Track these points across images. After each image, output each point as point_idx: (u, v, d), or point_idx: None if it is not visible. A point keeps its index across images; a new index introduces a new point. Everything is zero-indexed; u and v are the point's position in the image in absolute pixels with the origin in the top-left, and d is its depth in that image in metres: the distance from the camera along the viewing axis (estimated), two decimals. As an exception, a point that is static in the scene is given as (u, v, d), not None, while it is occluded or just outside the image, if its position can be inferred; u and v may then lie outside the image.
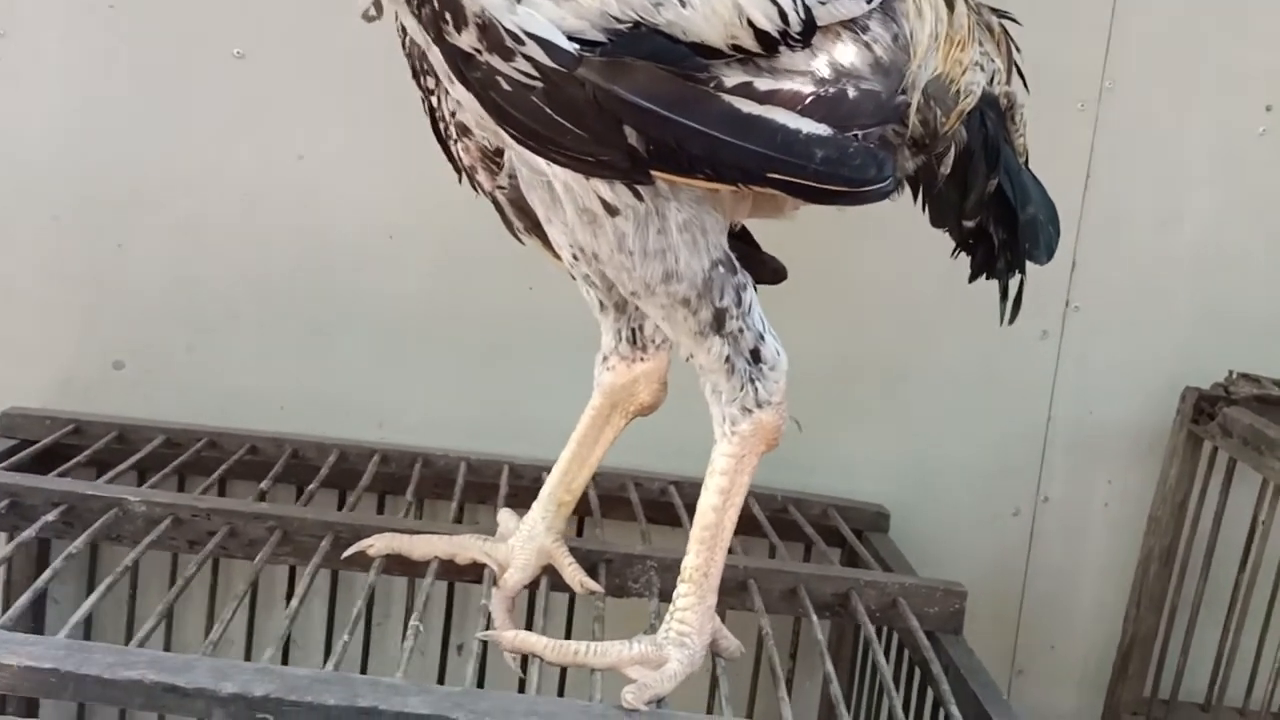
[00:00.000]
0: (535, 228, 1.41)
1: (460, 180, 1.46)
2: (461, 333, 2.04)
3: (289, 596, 1.66)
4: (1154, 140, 2.07)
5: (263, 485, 1.75)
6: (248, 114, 1.96)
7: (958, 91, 1.29)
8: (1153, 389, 2.11)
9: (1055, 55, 2.00)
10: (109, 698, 1.08)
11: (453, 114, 1.38)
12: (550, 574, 1.48)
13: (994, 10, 1.42)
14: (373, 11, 1.17)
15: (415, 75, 1.40)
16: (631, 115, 1.11)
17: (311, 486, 1.79)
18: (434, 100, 1.41)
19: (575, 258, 1.32)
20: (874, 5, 1.22)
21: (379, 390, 2.04)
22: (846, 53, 1.20)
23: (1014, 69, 1.41)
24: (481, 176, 1.42)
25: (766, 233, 1.52)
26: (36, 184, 1.94)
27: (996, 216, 1.40)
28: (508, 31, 1.08)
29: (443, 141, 1.44)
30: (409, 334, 2.03)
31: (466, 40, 1.10)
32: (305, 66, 1.95)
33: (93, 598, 1.24)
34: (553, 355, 1.97)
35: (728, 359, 1.28)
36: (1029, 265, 1.47)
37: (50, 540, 1.75)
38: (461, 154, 1.42)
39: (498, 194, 1.43)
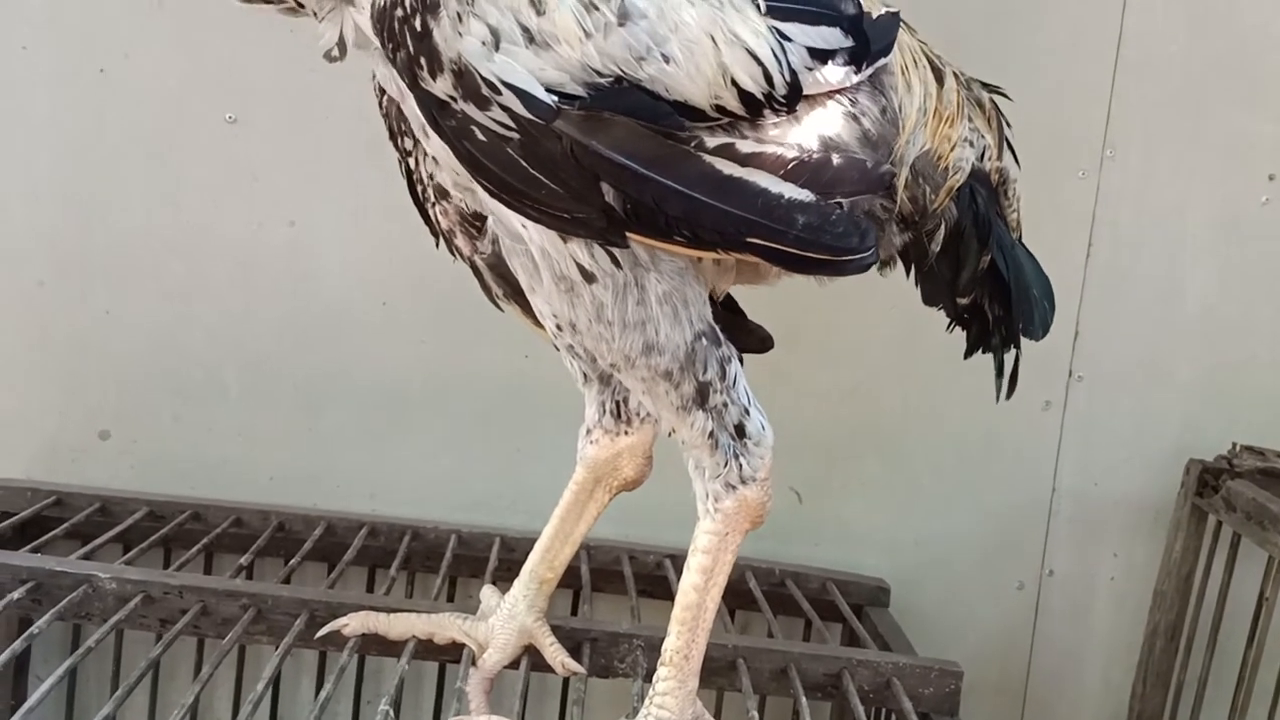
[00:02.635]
0: (515, 294, 1.39)
1: (438, 245, 1.44)
2: (455, 402, 2.01)
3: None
4: (1156, 209, 2.06)
5: (242, 561, 1.72)
6: (239, 180, 1.94)
7: (946, 168, 1.27)
8: (1157, 460, 2.09)
9: (1056, 123, 2.01)
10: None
11: (430, 176, 1.37)
12: (532, 654, 1.44)
13: (985, 85, 1.40)
14: (335, 52, 1.15)
15: (392, 136, 1.39)
16: (609, 171, 1.09)
17: (294, 561, 1.75)
18: (411, 162, 1.39)
19: (558, 328, 1.29)
20: (862, 77, 1.20)
21: (370, 461, 2.01)
22: (833, 123, 1.18)
23: (1005, 144, 1.38)
24: (460, 241, 1.41)
25: (768, 296, 1.49)
26: (23, 249, 1.92)
27: (991, 292, 1.37)
28: (484, 80, 1.06)
29: (420, 205, 1.42)
30: (401, 403, 2.00)
31: (441, 87, 1.08)
32: (298, 132, 1.93)
33: (49, 681, 1.20)
34: (548, 425, 1.93)
35: (711, 434, 1.25)
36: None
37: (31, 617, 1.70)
38: (440, 217, 1.40)
39: (476, 259, 1.42)
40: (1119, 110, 2.03)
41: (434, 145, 1.16)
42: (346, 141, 1.91)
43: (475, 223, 1.38)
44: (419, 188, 1.40)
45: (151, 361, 1.96)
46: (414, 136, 1.31)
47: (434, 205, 1.39)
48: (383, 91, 1.34)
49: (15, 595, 1.45)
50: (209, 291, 1.95)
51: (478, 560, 1.90)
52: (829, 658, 1.57)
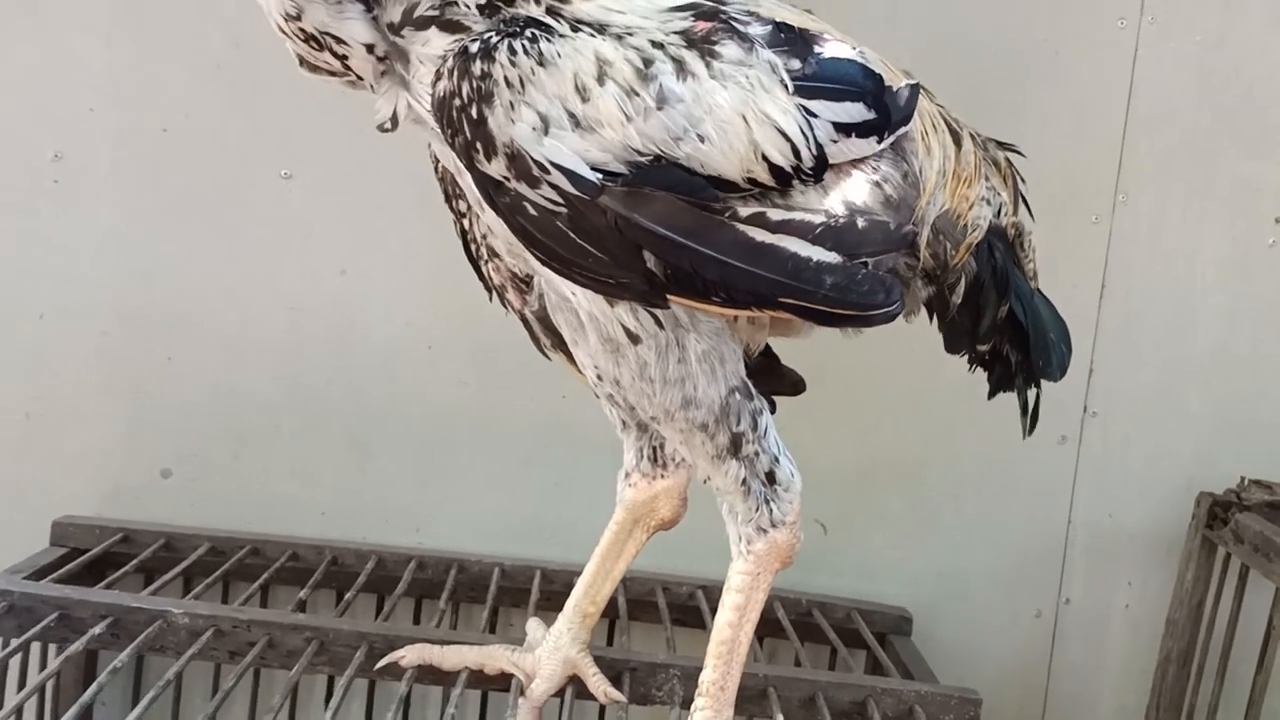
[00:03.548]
0: (561, 345, 1.47)
1: (491, 299, 1.53)
2: (497, 440, 2.09)
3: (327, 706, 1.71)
4: (1167, 251, 2.12)
5: (302, 595, 1.81)
6: (293, 231, 2.04)
7: (965, 226, 1.35)
8: (1170, 493, 2.15)
9: (1070, 171, 2.08)
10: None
11: (483, 237, 1.46)
12: (576, 684, 1.52)
13: (1000, 144, 1.49)
14: (388, 125, 1.26)
15: (448, 199, 1.49)
16: (650, 241, 1.18)
17: (349, 595, 1.85)
18: (465, 224, 1.49)
19: (599, 379, 1.38)
20: (884, 146, 1.29)
21: (416, 497, 2.10)
22: (857, 190, 1.27)
23: (1020, 200, 1.47)
24: (511, 295, 1.50)
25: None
26: (90, 301, 2.02)
27: (1010, 339, 1.45)
28: (535, 161, 1.16)
29: (474, 262, 1.51)
30: (446, 442, 2.09)
31: (496, 168, 1.17)
32: (349, 187, 2.03)
33: (135, 712, 1.29)
34: (586, 462, 2.03)
35: (744, 481, 1.33)
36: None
37: (97, 650, 1.79)
38: (492, 274, 1.49)
39: (526, 312, 1.50)
40: (1130, 158, 2.10)
41: (489, 216, 1.25)
42: (395, 196, 2.00)
43: (525, 280, 1.47)
44: (473, 247, 1.49)
45: (210, 405, 2.05)
46: (467, 201, 1.41)
47: (486, 263, 1.48)
48: (438, 159, 1.44)
49: (96, 630, 1.54)
50: (264, 338, 2.05)
51: (520, 591, 1.98)
52: (854, 686, 1.65)
